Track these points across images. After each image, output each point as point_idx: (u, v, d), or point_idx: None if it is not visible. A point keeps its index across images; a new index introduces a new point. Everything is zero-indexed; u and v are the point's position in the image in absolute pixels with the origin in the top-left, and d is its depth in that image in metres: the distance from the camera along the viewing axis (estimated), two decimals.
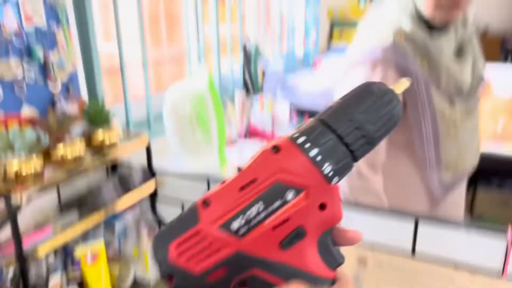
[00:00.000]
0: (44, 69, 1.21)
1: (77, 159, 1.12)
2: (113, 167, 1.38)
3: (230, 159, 1.57)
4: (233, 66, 2.27)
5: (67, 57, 1.28)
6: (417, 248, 1.02)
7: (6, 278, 1.03)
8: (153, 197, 1.37)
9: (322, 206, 0.30)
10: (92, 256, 1.17)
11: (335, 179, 0.30)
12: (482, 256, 0.97)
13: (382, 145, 1.01)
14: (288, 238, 0.30)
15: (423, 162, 1.02)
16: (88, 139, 1.19)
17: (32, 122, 1.12)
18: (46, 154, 1.08)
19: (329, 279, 0.32)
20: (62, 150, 1.09)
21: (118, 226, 1.32)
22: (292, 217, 0.30)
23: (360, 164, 1.00)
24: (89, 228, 1.23)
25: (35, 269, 1.11)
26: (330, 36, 3.63)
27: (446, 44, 1.01)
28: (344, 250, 0.33)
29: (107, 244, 1.28)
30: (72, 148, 1.11)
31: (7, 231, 1.01)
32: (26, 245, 0.99)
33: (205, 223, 0.30)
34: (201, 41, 2.02)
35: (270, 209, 0.30)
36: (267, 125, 1.99)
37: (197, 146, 1.44)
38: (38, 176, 1.02)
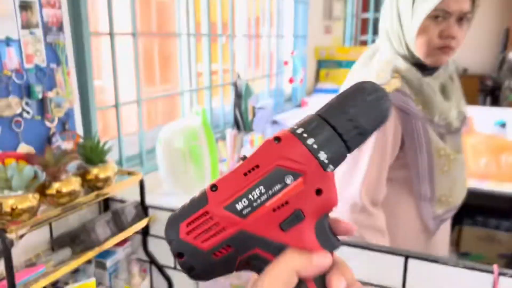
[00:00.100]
0: (42, 106, 1.24)
1: (72, 195, 1.13)
2: (106, 203, 1.39)
3: None
4: (224, 104, 2.33)
5: (65, 95, 1.31)
6: (407, 285, 1.04)
7: None
8: (145, 233, 1.37)
9: (319, 192, 0.33)
10: None
11: (330, 166, 0.34)
12: None
13: (383, 183, 1.06)
14: (287, 220, 0.33)
15: (419, 196, 1.07)
16: (83, 175, 1.20)
17: (28, 158, 1.13)
18: (41, 190, 1.08)
19: None
20: (58, 186, 1.10)
21: (110, 263, 1.31)
22: (291, 200, 0.33)
23: (364, 201, 1.04)
24: (81, 265, 1.22)
25: None
26: (317, 75, 3.74)
27: (434, 83, 1.08)
28: None
29: (98, 282, 1.27)
30: (67, 184, 1.12)
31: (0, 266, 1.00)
32: (18, 281, 0.99)
33: (212, 204, 0.33)
34: (194, 79, 2.08)
35: (271, 192, 0.33)
36: None
37: (190, 182, 1.46)
38: (32, 212, 1.02)
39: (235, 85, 2.08)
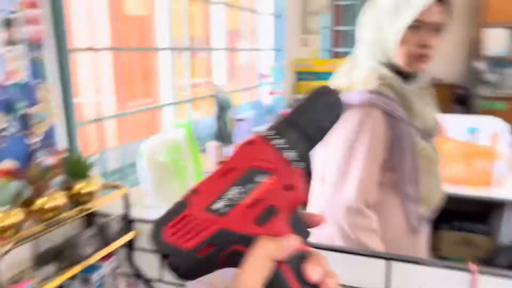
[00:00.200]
0: (25, 122, 1.24)
1: (56, 211, 1.13)
2: (90, 218, 1.38)
3: None
4: (205, 117, 2.35)
5: (47, 110, 1.31)
6: (391, 286, 1.08)
7: None
8: (130, 247, 1.37)
9: (289, 188, 0.37)
10: None
11: (298, 163, 0.37)
12: None
13: (375, 185, 1.11)
14: (262, 215, 0.36)
15: (404, 197, 1.12)
16: (68, 190, 1.20)
17: (12, 174, 1.13)
18: (26, 206, 1.08)
19: (301, 251, 0.37)
20: (43, 202, 1.10)
21: (95, 278, 1.30)
22: (264, 197, 0.36)
23: (360, 203, 1.08)
24: (65, 281, 1.21)
25: None
26: (296, 87, 3.81)
27: (413, 90, 1.14)
28: None
29: None
30: (52, 199, 1.12)
31: None
32: None
33: (192, 207, 0.36)
34: (175, 92, 2.10)
35: (245, 190, 0.36)
36: None
37: (175, 195, 1.47)
38: (17, 228, 1.02)
39: (216, 97, 2.11)
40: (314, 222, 0.39)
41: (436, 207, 1.21)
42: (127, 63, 2.12)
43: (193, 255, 0.36)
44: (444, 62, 4.84)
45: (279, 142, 0.37)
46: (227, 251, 0.36)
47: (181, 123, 1.52)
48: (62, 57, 1.36)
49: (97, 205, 1.26)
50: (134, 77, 2.17)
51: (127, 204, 1.35)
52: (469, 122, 2.83)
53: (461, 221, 2.62)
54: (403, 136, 1.09)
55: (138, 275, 1.38)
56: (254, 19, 3.12)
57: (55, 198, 1.12)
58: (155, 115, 2.14)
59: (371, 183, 1.10)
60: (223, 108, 2.10)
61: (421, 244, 1.21)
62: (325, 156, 1.16)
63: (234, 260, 0.36)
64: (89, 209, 1.24)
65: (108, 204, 1.35)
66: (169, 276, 1.37)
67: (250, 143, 0.38)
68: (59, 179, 1.23)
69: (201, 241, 0.36)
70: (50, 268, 1.16)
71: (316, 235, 1.31)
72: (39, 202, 1.09)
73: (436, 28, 1.10)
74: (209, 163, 2.00)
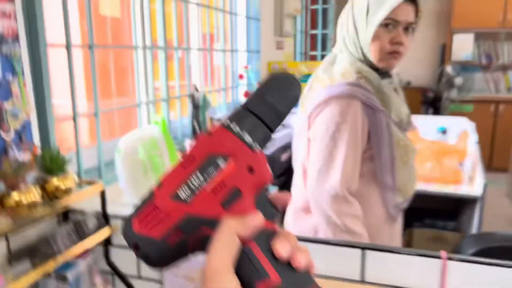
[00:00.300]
0: None
1: (31, 207, 1.11)
2: (65, 215, 1.37)
3: None
4: (182, 116, 2.35)
5: (21, 106, 1.29)
6: (366, 275, 1.11)
7: None
8: (106, 244, 1.36)
9: (251, 169, 0.38)
10: None
11: (256, 146, 0.38)
12: (423, 279, 1.07)
13: (357, 174, 1.16)
14: (227, 198, 0.37)
15: (383, 186, 1.17)
16: (43, 186, 1.18)
17: None
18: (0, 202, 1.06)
19: (269, 229, 0.38)
20: (17, 198, 1.08)
21: (71, 275, 1.29)
22: (227, 180, 0.37)
23: (345, 191, 1.14)
24: (40, 279, 1.20)
25: None
26: None
27: (388, 86, 1.21)
28: None
29: None
30: (27, 195, 1.10)
31: None
32: None
33: (159, 197, 0.37)
34: (151, 91, 2.09)
35: (207, 176, 0.37)
36: None
37: None
38: None
39: (192, 96, 2.11)
40: (281, 202, 0.40)
41: (411, 197, 1.26)
42: (103, 62, 2.11)
43: (163, 243, 0.37)
44: (415, 66, 4.98)
45: (238, 128, 0.38)
46: (197, 236, 0.37)
47: (156, 120, 1.52)
48: (37, 52, 1.34)
49: (73, 201, 1.25)
50: (109, 76, 2.15)
51: (103, 200, 1.34)
52: (438, 122, 2.92)
53: (433, 219, 2.70)
54: (381, 126, 1.14)
55: (114, 272, 1.37)
56: (230, 21, 3.14)
57: (30, 194, 1.11)
58: (131, 115, 2.13)
59: (354, 172, 1.15)
60: (200, 107, 2.11)
61: (398, 232, 1.27)
62: (306, 148, 1.20)
63: (205, 245, 0.37)
64: (64, 205, 1.23)
65: (85, 201, 1.34)
66: (146, 272, 1.36)
67: (209, 132, 0.39)
68: (34, 175, 1.21)
69: (168, 229, 0.37)
70: (25, 265, 1.14)
71: (299, 226, 1.34)
72: (13, 198, 1.08)
73: (407, 27, 1.17)
74: None
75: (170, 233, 0.37)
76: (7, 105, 1.24)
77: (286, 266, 0.36)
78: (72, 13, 1.60)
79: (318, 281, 0.37)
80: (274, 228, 0.38)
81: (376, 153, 1.15)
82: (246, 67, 3.27)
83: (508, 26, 4.71)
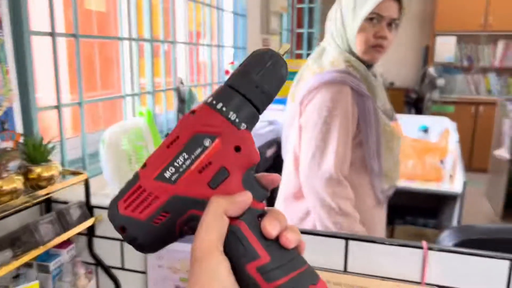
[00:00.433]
0: None
1: (14, 194, 1.09)
2: (48, 205, 1.35)
3: None
4: (167, 110, 2.33)
5: (4, 93, 1.27)
6: (348, 264, 1.12)
7: None
8: (90, 234, 1.35)
9: (238, 149, 0.37)
10: None
11: (243, 125, 0.37)
12: (404, 269, 1.09)
13: (349, 158, 1.19)
14: (214, 178, 0.36)
15: (371, 172, 1.21)
16: (26, 174, 1.17)
17: None
18: None
19: (258, 209, 0.37)
20: None
21: (53, 266, 1.27)
22: (213, 160, 0.36)
23: (339, 175, 1.17)
24: (21, 269, 1.18)
25: None
26: None
27: (373, 77, 1.26)
28: None
29: (41, 286, 1.22)
30: (9, 182, 1.09)
31: None
32: None
33: (143, 179, 0.37)
34: (136, 84, 2.08)
35: (193, 156, 0.36)
36: None
37: None
38: None
39: (178, 90, 2.10)
40: (269, 181, 0.39)
41: (396, 184, 1.30)
42: (87, 55, 2.08)
43: (149, 224, 0.36)
44: (398, 67, 5.05)
45: (222, 106, 0.37)
46: (184, 217, 0.36)
47: (141, 111, 1.51)
48: (21, 39, 1.32)
49: (56, 189, 1.23)
50: (94, 69, 2.13)
51: (87, 190, 1.32)
52: (420, 121, 2.97)
53: (414, 216, 2.74)
54: (369, 112, 1.19)
55: (98, 263, 1.36)
56: (216, 16, 3.14)
57: (12, 181, 1.09)
58: (116, 108, 2.11)
59: (345, 156, 1.19)
60: (185, 101, 2.10)
61: (384, 216, 1.32)
62: (298, 135, 1.23)
63: (192, 226, 0.36)
64: (47, 193, 1.21)
65: (68, 192, 1.32)
66: (130, 263, 1.35)
67: (192, 112, 0.38)
68: (16, 163, 1.19)
69: (155, 210, 0.36)
70: (6, 254, 1.12)
71: (290, 213, 1.36)
72: None
73: (390, 23, 1.22)
74: None
75: (157, 214, 0.36)
76: None
77: (276, 245, 0.35)
78: (57, 5, 1.58)
79: None
80: (263, 208, 0.38)
81: (364, 139, 1.19)
82: (232, 63, 3.27)
83: (489, 29, 4.82)
